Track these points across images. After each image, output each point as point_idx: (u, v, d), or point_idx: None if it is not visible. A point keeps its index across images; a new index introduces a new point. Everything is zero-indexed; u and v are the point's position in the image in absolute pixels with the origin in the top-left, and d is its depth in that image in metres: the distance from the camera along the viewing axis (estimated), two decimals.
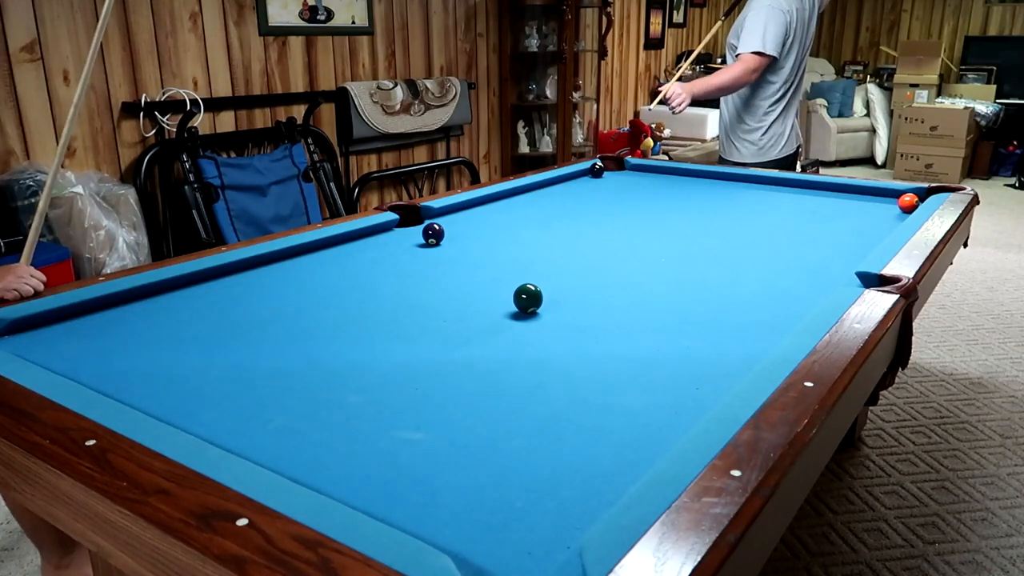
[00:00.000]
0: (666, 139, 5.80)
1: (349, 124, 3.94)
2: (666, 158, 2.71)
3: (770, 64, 2.92)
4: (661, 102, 2.91)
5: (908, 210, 2.18)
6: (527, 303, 1.42)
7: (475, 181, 4.70)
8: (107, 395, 1.05)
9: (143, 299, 1.49)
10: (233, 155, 3.48)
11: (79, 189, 2.83)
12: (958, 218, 2.02)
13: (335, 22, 3.90)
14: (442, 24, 4.51)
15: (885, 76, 7.67)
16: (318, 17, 3.81)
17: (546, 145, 5.09)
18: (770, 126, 3.04)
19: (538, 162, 4.98)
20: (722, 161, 3.21)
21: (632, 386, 1.15)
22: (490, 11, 4.80)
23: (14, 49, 2.78)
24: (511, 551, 0.76)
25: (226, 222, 3.26)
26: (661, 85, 3.11)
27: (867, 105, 7.58)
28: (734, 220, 2.20)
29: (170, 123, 3.23)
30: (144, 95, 3.17)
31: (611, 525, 0.76)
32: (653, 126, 5.89)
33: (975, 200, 2.27)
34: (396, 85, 4.13)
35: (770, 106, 3.04)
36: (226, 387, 1.12)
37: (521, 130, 5.09)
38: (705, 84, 2.96)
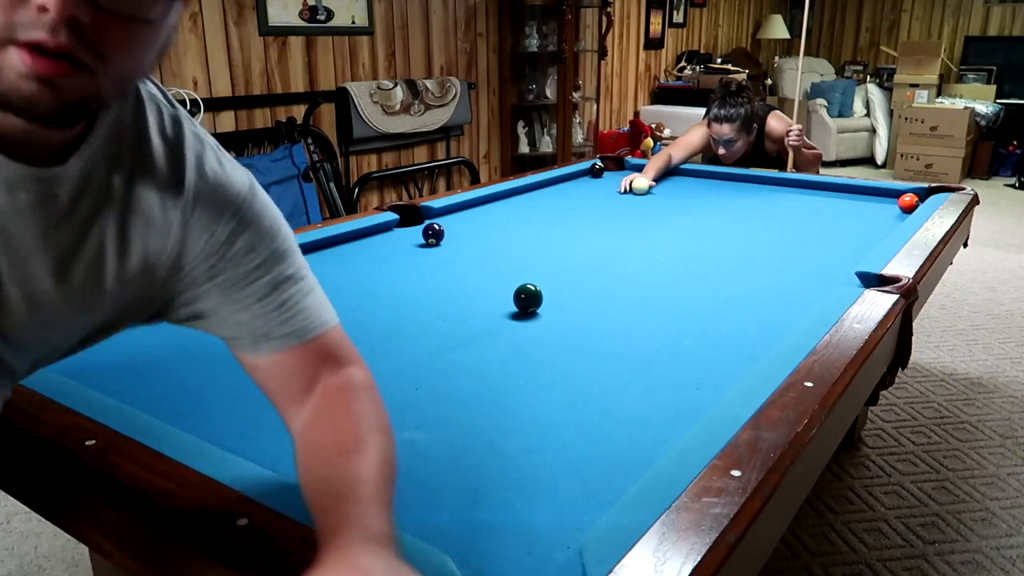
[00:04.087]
0: (666, 139, 5.80)
1: (349, 124, 3.94)
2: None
3: None
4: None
5: (908, 210, 2.18)
6: (527, 303, 1.42)
7: (475, 181, 4.70)
8: (107, 395, 1.05)
9: None
10: (233, 155, 3.48)
11: None
12: (958, 218, 2.02)
13: (335, 22, 3.89)
14: (442, 24, 4.50)
15: (885, 76, 7.67)
16: (318, 17, 3.81)
17: (546, 145, 5.09)
18: None
19: (538, 162, 4.98)
20: None
21: (632, 386, 1.15)
22: (490, 11, 4.80)
23: None
24: (511, 551, 0.76)
25: None
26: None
27: (867, 105, 7.57)
28: (734, 220, 2.20)
29: None
30: None
31: (611, 525, 0.76)
32: (653, 126, 5.89)
33: (975, 200, 2.28)
34: (396, 85, 4.13)
35: None
36: (227, 387, 1.12)
37: (521, 130, 5.09)
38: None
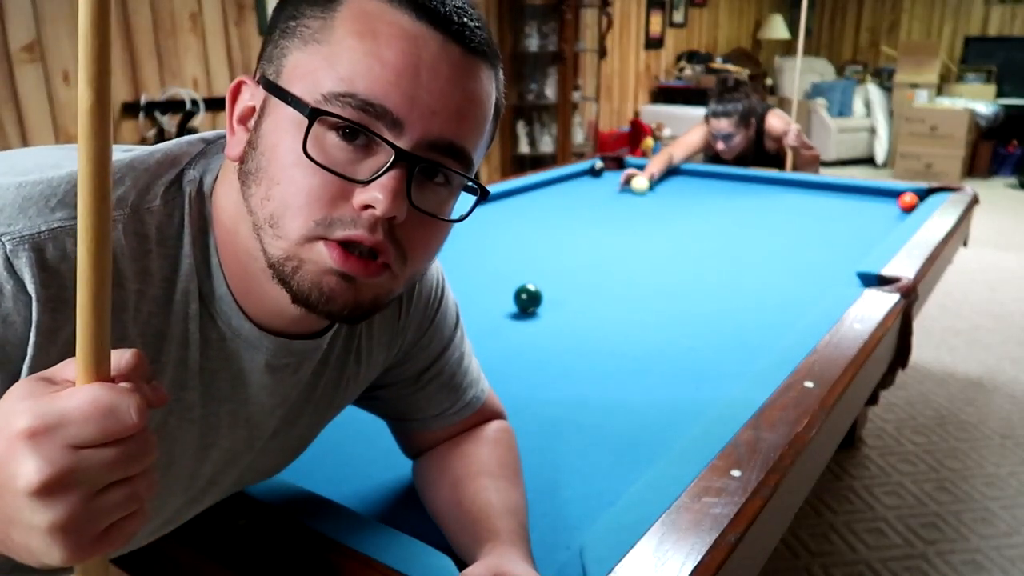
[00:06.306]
0: (666, 139, 5.80)
1: None
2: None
3: None
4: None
5: (908, 210, 2.19)
6: (527, 303, 1.42)
7: None
8: None
9: None
10: None
11: None
12: (958, 218, 2.02)
13: None
14: None
15: (885, 76, 7.67)
16: None
17: (546, 145, 5.09)
18: None
19: (538, 162, 4.98)
20: None
21: (632, 386, 1.15)
22: (490, 11, 4.80)
23: (14, 49, 2.78)
24: None
25: None
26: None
27: (867, 105, 7.57)
28: (734, 220, 2.20)
29: (170, 123, 3.23)
30: (144, 95, 3.18)
31: (611, 525, 0.76)
32: (653, 126, 5.89)
33: (975, 200, 2.27)
34: None
35: None
36: None
37: (521, 130, 5.09)
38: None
